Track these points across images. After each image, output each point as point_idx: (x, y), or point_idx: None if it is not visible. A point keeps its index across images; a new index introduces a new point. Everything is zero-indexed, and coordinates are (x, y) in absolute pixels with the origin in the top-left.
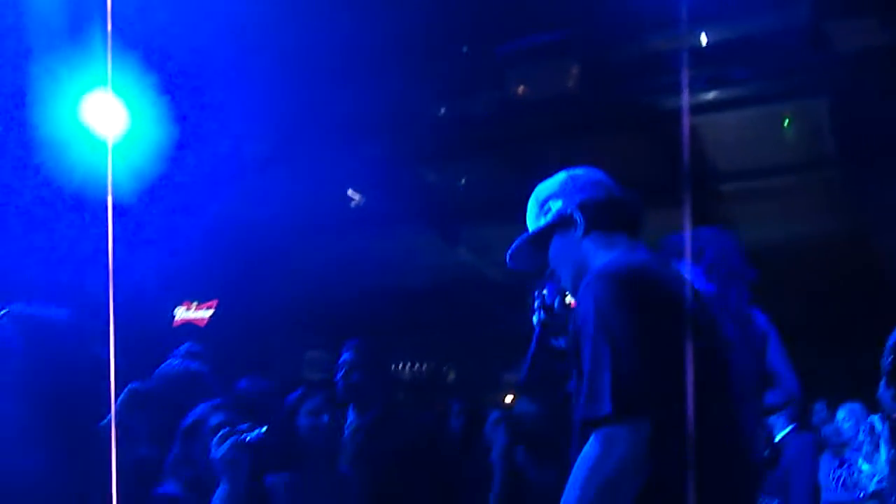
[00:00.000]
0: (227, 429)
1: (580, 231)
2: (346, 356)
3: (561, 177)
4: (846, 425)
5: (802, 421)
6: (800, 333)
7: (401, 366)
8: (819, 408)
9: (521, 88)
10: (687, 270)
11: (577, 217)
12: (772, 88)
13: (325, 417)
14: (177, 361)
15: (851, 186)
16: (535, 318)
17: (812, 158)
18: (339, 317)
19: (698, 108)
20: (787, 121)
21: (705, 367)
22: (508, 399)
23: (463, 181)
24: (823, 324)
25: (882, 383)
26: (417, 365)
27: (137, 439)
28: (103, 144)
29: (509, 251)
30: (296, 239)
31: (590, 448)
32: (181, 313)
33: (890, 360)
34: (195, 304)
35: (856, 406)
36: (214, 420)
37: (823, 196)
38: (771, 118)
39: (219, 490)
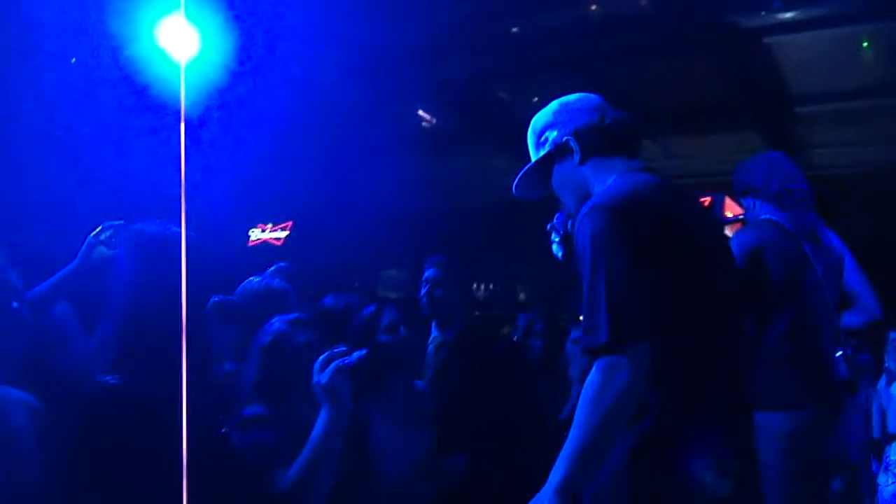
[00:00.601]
0: (328, 353)
1: (577, 158)
2: (429, 273)
3: (554, 106)
4: None
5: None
6: (872, 260)
7: (478, 285)
8: (893, 336)
9: (594, 7)
10: (752, 202)
11: (573, 145)
12: (850, 8)
13: (402, 331)
14: (258, 279)
15: None
16: (553, 247)
17: (891, 81)
18: (413, 236)
19: (773, 29)
20: (865, 43)
21: (707, 286)
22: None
23: (535, 99)
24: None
25: None
26: (493, 284)
27: (222, 355)
28: (177, 67)
29: (514, 182)
30: (369, 159)
31: (592, 375)
32: (256, 234)
33: None
34: (270, 224)
35: None
36: (300, 338)
37: None
38: (849, 40)
39: (322, 414)
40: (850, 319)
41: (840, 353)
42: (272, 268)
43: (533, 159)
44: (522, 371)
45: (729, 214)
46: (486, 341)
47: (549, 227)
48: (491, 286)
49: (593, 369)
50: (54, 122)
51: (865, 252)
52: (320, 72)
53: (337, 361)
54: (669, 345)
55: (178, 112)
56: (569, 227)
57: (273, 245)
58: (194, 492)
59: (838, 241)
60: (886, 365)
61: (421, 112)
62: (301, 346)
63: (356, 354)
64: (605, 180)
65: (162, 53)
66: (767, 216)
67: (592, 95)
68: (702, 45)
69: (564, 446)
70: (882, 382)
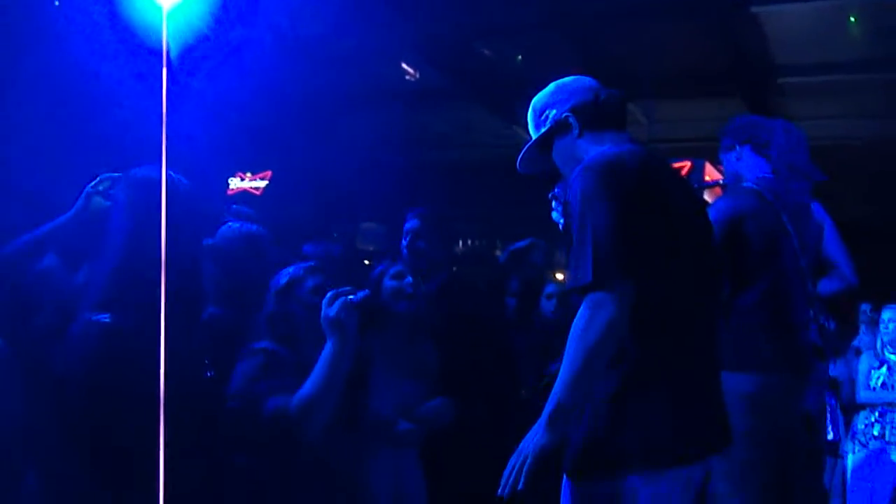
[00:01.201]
0: (335, 291)
1: (576, 132)
2: (411, 224)
3: (551, 88)
4: (890, 326)
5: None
6: (853, 232)
7: (457, 240)
8: (864, 308)
9: None
10: (749, 155)
11: (572, 121)
12: None
13: (409, 279)
14: (237, 224)
15: None
16: (553, 214)
17: (878, 57)
18: (393, 190)
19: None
20: (852, 18)
21: (684, 245)
22: (561, 276)
23: (519, 58)
24: (879, 225)
25: None
26: (471, 240)
27: (208, 297)
28: (160, 11)
29: (518, 158)
30: (350, 112)
31: (580, 313)
32: (236, 183)
33: None
34: (249, 174)
35: None
36: (312, 282)
37: (886, 97)
38: (836, 13)
39: (327, 346)
40: (825, 286)
41: (813, 320)
42: (233, 209)
43: (534, 137)
44: (500, 324)
45: (708, 179)
46: (467, 294)
47: (550, 195)
48: (470, 242)
49: (581, 307)
50: (34, 69)
51: (846, 226)
52: (305, 22)
53: (343, 298)
54: (647, 294)
55: (161, 59)
56: (568, 195)
57: (252, 194)
58: (180, 427)
59: (819, 209)
60: (859, 336)
61: (404, 65)
62: (313, 289)
63: (360, 293)
64: (598, 150)
65: None
66: (749, 185)
67: (585, 77)
68: (688, 9)
69: (556, 381)
70: (851, 353)
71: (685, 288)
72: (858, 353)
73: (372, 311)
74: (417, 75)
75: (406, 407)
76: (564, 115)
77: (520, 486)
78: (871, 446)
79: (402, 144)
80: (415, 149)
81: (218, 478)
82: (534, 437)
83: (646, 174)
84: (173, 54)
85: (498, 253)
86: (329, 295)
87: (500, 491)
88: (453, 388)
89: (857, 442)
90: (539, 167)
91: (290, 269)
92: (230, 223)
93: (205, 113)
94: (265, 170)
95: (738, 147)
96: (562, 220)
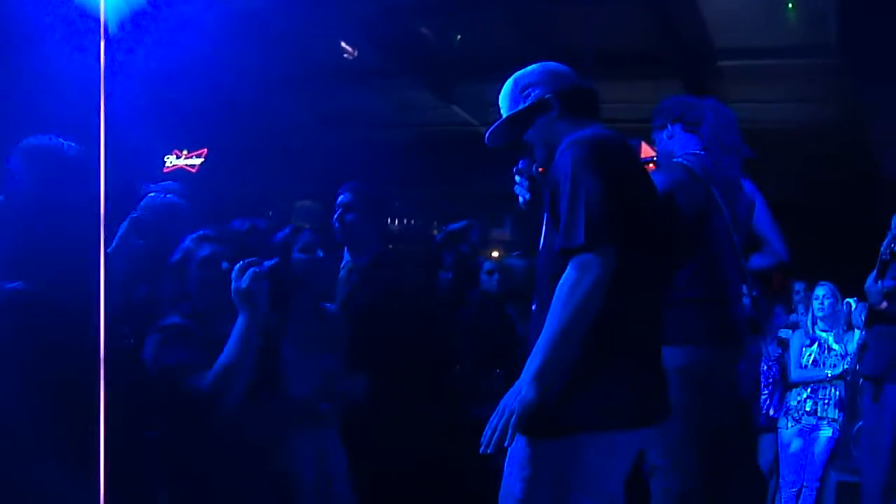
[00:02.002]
0: (243, 262)
1: (554, 114)
2: (341, 198)
3: (537, 67)
4: (825, 303)
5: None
6: (787, 213)
7: (391, 220)
8: (798, 287)
9: None
10: (680, 133)
11: (554, 102)
12: None
13: (320, 253)
14: (159, 195)
15: (849, 75)
16: (516, 189)
17: (813, 43)
18: (330, 169)
19: None
20: (790, 4)
21: (648, 215)
22: (495, 254)
23: (458, 37)
24: (812, 206)
25: (871, 276)
26: (408, 219)
27: (138, 275)
28: None
29: (489, 130)
30: (288, 90)
31: (567, 274)
32: (172, 160)
33: (887, 255)
34: (185, 151)
35: (833, 286)
36: (202, 252)
37: (821, 83)
38: None
39: (239, 319)
40: (757, 261)
41: (746, 294)
42: (161, 185)
43: (509, 111)
44: (432, 300)
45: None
46: (398, 268)
47: (514, 170)
48: (407, 221)
49: (568, 268)
50: None
51: (782, 207)
52: None
53: (253, 268)
54: (619, 261)
55: (98, 31)
56: (533, 170)
57: (188, 172)
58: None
59: (750, 186)
60: (796, 315)
61: (343, 44)
62: (204, 260)
63: (268, 262)
64: (576, 133)
65: None
66: (680, 160)
67: (565, 66)
68: None
69: (539, 338)
70: (784, 330)
71: (647, 259)
72: (796, 328)
73: (282, 280)
74: (356, 54)
75: (323, 384)
76: (548, 96)
77: (506, 443)
78: (803, 422)
79: (340, 123)
80: (352, 127)
81: (133, 453)
82: (517, 395)
83: (626, 152)
84: (111, 28)
85: (434, 233)
86: (238, 266)
87: (483, 448)
88: (382, 362)
89: (790, 418)
90: (506, 141)
91: (184, 242)
92: (152, 195)
93: (141, 87)
94: (201, 147)
95: (669, 126)
96: (526, 195)
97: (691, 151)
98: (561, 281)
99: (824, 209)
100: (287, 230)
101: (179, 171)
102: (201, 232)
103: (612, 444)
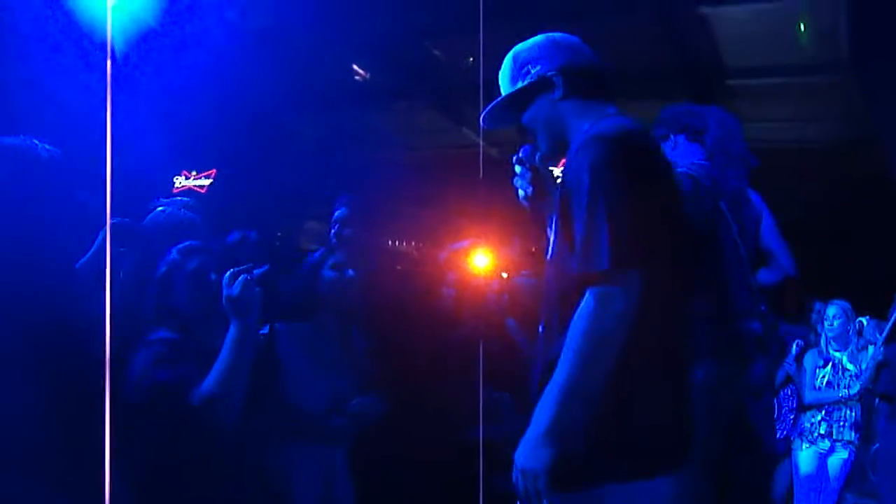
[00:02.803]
0: (234, 270)
1: (558, 94)
2: (339, 213)
3: (540, 39)
4: (835, 323)
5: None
6: (799, 233)
7: (399, 242)
8: (818, 307)
9: None
10: (684, 143)
11: (557, 81)
12: None
13: (350, 273)
14: (169, 209)
15: (862, 93)
16: (516, 181)
17: (824, 61)
18: (340, 189)
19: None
20: (802, 25)
21: (686, 229)
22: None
23: (471, 59)
24: (824, 225)
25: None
26: (415, 242)
27: (123, 277)
28: (104, 3)
29: (484, 111)
30: (298, 112)
31: (585, 307)
32: (180, 182)
33: None
34: (194, 172)
35: (845, 305)
36: (190, 265)
37: (833, 100)
38: (784, 16)
39: (231, 328)
40: (764, 277)
41: (754, 309)
42: (174, 199)
43: (507, 89)
44: (434, 313)
45: None
46: (395, 284)
47: (514, 159)
48: (414, 243)
49: (586, 300)
50: None
51: (793, 226)
52: (254, 18)
53: (244, 276)
54: (658, 279)
55: (105, 52)
56: (536, 160)
57: (197, 192)
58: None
59: (758, 199)
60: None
61: (355, 66)
62: (193, 272)
63: (259, 269)
64: (583, 122)
65: None
66: (685, 170)
67: (575, 37)
68: (637, 8)
69: (550, 384)
70: (795, 351)
71: (676, 281)
72: (805, 351)
73: (275, 288)
74: (368, 76)
75: (337, 402)
76: (550, 73)
77: None
78: (818, 445)
79: (350, 143)
80: (363, 149)
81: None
82: (534, 452)
83: (654, 151)
84: (118, 48)
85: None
86: (228, 274)
87: None
88: (382, 381)
89: (804, 440)
90: (505, 124)
91: (169, 255)
92: (160, 207)
93: (150, 108)
94: (210, 168)
95: (672, 136)
96: (528, 189)
97: (696, 161)
98: (577, 315)
99: (837, 227)
100: (322, 250)
101: (188, 192)
102: (188, 243)
103: (634, 494)
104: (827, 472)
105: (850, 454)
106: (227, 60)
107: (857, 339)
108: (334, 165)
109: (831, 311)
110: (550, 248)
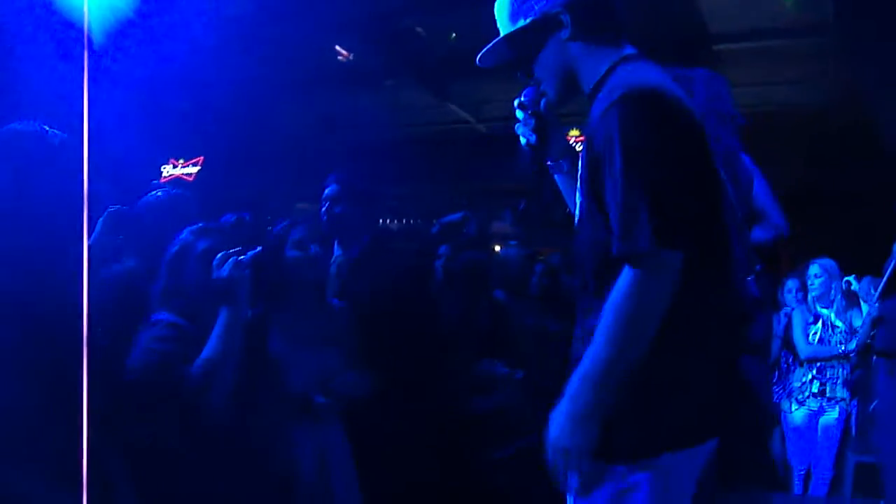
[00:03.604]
0: (225, 252)
1: (566, 34)
2: (329, 190)
3: None
4: (816, 282)
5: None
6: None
7: (389, 220)
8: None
9: None
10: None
11: (565, 19)
12: None
13: (313, 249)
14: (160, 191)
15: (846, 55)
16: (519, 129)
17: (808, 24)
18: (328, 170)
19: None
20: None
21: (719, 196)
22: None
23: (454, 35)
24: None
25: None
26: (405, 219)
27: (122, 255)
28: None
29: (482, 51)
30: (283, 94)
31: (626, 283)
32: (168, 170)
33: None
34: (181, 160)
35: (828, 263)
36: (202, 245)
37: (817, 63)
38: None
39: (222, 311)
40: (758, 235)
41: (751, 268)
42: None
43: (507, 27)
44: (426, 291)
45: None
46: (388, 261)
47: (516, 103)
48: (402, 221)
49: (623, 280)
50: None
51: (779, 193)
52: (236, 4)
53: (234, 258)
54: (699, 252)
55: (82, 41)
56: (541, 106)
57: (185, 181)
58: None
59: (748, 160)
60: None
61: (337, 47)
62: (202, 253)
63: (251, 252)
64: (598, 64)
65: None
66: None
67: None
68: None
69: (583, 366)
70: (788, 311)
71: (718, 254)
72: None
73: (267, 271)
74: (351, 57)
75: (321, 380)
76: (557, 10)
77: (591, 491)
78: (809, 405)
79: (335, 125)
80: (348, 129)
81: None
82: (577, 430)
83: (690, 107)
84: (96, 37)
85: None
86: (219, 256)
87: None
88: (374, 356)
89: (793, 400)
90: (502, 61)
91: (182, 236)
92: (154, 191)
93: (130, 96)
94: (197, 155)
95: None
96: (531, 137)
97: None
98: (615, 292)
99: (823, 189)
100: (284, 224)
101: (176, 180)
102: (201, 224)
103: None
104: (818, 431)
105: (841, 412)
106: (208, 47)
107: (842, 297)
108: (322, 146)
109: (813, 269)
110: (578, 214)
